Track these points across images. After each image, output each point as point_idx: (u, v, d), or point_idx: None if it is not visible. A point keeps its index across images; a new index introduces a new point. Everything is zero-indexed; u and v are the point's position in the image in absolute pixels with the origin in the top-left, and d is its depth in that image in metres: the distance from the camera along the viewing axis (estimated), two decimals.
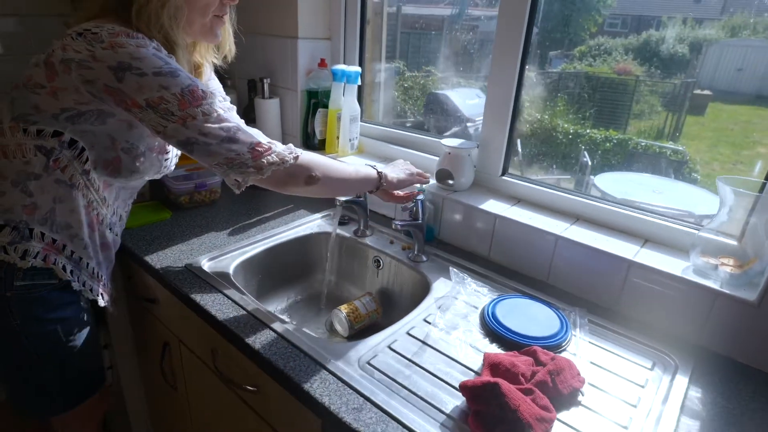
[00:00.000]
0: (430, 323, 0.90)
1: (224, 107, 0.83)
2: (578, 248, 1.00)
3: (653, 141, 1.32)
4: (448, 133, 1.55)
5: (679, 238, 0.99)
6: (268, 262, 1.19)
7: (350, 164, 0.99)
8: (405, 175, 1.08)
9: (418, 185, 1.13)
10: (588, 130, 1.36)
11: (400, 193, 1.11)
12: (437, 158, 1.29)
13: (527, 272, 1.09)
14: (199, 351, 1.02)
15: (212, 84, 1.06)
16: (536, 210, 1.15)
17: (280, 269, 1.22)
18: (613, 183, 1.28)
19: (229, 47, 0.99)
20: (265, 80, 1.48)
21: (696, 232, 0.95)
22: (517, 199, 1.20)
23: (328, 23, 1.55)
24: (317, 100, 1.50)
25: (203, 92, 0.79)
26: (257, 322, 0.89)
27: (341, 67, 1.43)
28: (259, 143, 0.83)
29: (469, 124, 1.59)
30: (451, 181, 1.25)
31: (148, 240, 1.16)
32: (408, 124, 1.77)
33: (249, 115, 1.56)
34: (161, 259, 1.09)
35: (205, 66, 0.98)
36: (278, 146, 0.86)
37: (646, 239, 1.03)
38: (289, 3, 1.47)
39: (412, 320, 0.91)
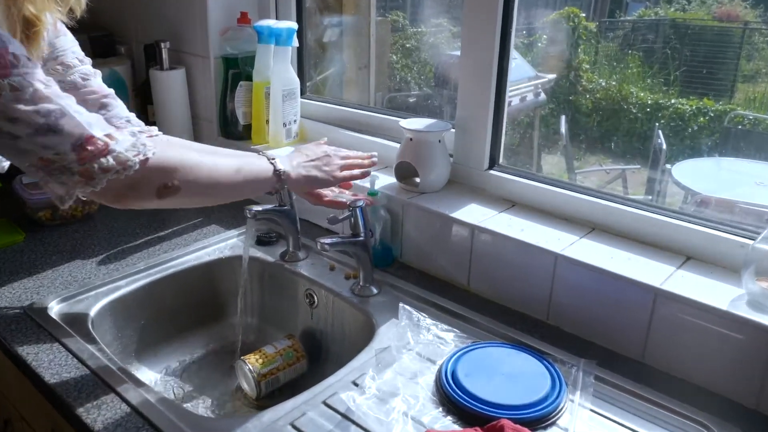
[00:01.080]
0: (358, 386, 0.86)
1: (46, 82, 0.76)
2: (586, 272, 0.96)
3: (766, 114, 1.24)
4: None
5: (733, 253, 0.94)
6: (154, 301, 1.16)
7: (233, 155, 0.93)
8: (315, 170, 1.03)
9: (357, 179, 1.08)
10: (673, 101, 1.28)
11: (326, 193, 1.08)
12: None
13: (520, 308, 1.06)
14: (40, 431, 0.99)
15: (60, 42, 1.04)
16: (537, 217, 1.11)
17: (174, 311, 1.20)
18: (698, 173, 1.22)
19: None
20: (162, 44, 1.47)
21: (750, 242, 0.90)
22: (511, 202, 1.17)
23: None
24: (237, 70, 1.48)
25: (15, 56, 0.73)
26: (107, 390, 0.85)
27: (269, 22, 1.41)
28: (91, 137, 0.76)
29: None
30: (416, 180, 1.22)
31: None
32: (411, 99, 1.74)
33: (147, 95, 1.54)
34: None
35: (45, 22, 0.95)
36: (121, 141, 0.79)
37: (688, 255, 0.99)
38: None
39: (335, 382, 0.87)
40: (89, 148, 0.76)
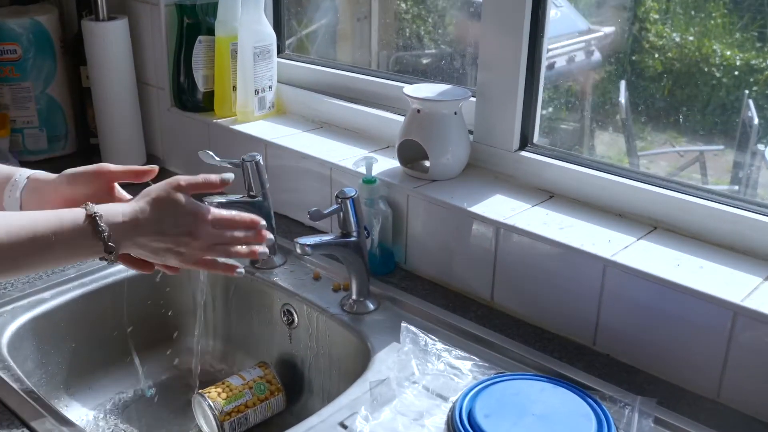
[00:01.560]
0: (347, 428, 0.86)
1: None
2: (645, 284, 0.95)
3: None
4: None
5: None
6: (88, 319, 1.17)
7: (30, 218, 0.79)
8: (165, 254, 0.85)
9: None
10: None
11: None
12: None
13: (558, 330, 1.06)
14: None
15: None
16: (581, 212, 1.11)
17: (114, 332, 1.20)
18: None
19: None
20: None
21: None
22: (548, 193, 1.17)
23: None
24: (196, 21, 1.48)
25: None
26: None
27: None
28: None
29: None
30: (425, 163, 1.22)
31: None
32: (425, 60, 1.74)
33: (79, 51, 1.55)
34: None
35: None
36: None
37: None
38: None
39: (318, 424, 0.88)
40: None
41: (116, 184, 0.95)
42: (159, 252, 0.85)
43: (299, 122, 1.47)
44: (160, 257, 0.86)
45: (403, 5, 1.76)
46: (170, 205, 0.85)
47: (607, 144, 1.59)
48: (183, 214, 0.85)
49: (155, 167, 0.95)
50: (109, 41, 1.49)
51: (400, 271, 1.21)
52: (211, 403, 1.06)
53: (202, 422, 1.09)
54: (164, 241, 0.85)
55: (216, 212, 0.90)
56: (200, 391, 1.09)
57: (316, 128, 1.44)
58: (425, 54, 1.76)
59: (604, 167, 1.14)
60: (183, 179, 0.87)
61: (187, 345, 1.26)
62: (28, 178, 0.91)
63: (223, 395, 1.08)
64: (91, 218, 0.80)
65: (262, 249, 0.93)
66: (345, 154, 1.30)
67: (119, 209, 0.83)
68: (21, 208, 0.90)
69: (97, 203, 0.82)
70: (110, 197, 0.93)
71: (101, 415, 1.14)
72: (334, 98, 1.46)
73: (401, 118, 1.33)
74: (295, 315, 1.16)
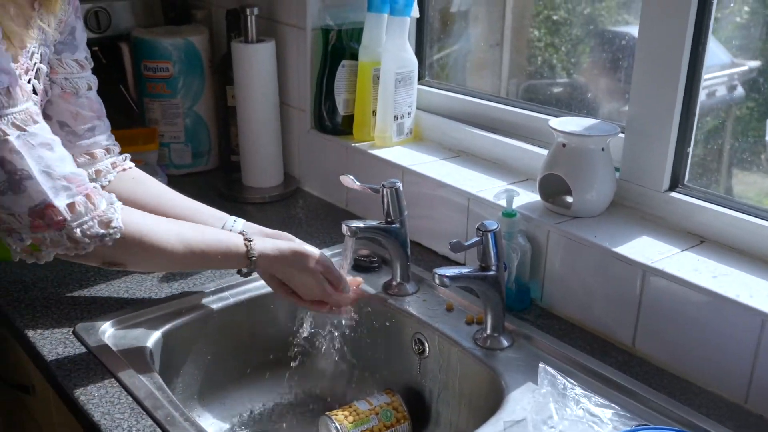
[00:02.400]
0: None
1: (22, 124, 0.86)
2: None
3: None
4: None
5: None
6: (225, 332, 1.20)
7: (201, 236, 1.07)
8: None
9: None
10: None
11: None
12: None
13: (707, 384, 1.01)
14: None
15: (79, 31, 1.12)
16: (737, 260, 1.06)
17: (247, 347, 1.23)
18: None
19: None
20: (250, 10, 1.53)
21: None
22: (699, 237, 1.13)
23: None
24: (340, 46, 1.52)
25: None
26: None
27: None
28: (51, 206, 0.88)
29: None
30: (568, 199, 1.19)
31: (25, 285, 1.23)
32: (556, 89, 1.73)
33: (227, 72, 1.62)
34: (39, 319, 1.14)
35: None
36: (82, 219, 0.91)
37: None
38: None
39: None
40: (45, 217, 0.88)
41: None
42: (276, 288, 1.14)
43: (436, 150, 1.48)
44: (293, 285, 1.13)
45: (536, 33, 1.74)
46: (303, 263, 1.11)
47: (747, 184, 1.51)
48: (310, 274, 1.11)
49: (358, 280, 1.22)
50: (256, 63, 1.54)
51: (535, 308, 1.19)
52: (338, 426, 1.08)
53: None
54: (288, 282, 1.13)
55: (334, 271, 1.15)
56: (327, 413, 1.10)
57: (453, 157, 1.44)
58: (556, 83, 1.74)
59: (762, 213, 1.08)
60: (328, 263, 1.14)
61: (316, 365, 1.28)
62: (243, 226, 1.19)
63: (350, 418, 1.09)
64: (248, 247, 1.07)
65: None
66: (483, 185, 1.30)
67: (269, 243, 1.10)
68: None
69: None
70: None
71: (233, 429, 1.18)
72: (472, 127, 1.46)
73: (540, 150, 1.33)
74: (426, 345, 1.16)
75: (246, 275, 1.11)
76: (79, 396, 0.98)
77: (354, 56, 1.52)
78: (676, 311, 1.02)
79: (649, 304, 1.05)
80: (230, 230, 1.15)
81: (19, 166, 0.85)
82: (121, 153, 1.21)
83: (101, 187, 1.14)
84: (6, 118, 0.85)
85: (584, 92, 1.63)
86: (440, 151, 1.47)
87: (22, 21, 0.94)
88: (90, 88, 1.14)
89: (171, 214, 1.13)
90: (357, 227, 1.15)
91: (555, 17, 1.69)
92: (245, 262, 1.07)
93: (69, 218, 0.89)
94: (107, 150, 1.18)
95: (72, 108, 1.12)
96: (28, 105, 0.89)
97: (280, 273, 1.11)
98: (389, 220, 1.20)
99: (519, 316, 1.16)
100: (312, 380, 1.27)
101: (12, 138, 0.85)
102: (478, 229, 1.06)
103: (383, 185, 1.19)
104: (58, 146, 0.92)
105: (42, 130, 0.90)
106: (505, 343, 1.09)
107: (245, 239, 1.07)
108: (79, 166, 1.11)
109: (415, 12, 1.46)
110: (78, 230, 0.90)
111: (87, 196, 0.92)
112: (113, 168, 1.18)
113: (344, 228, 1.15)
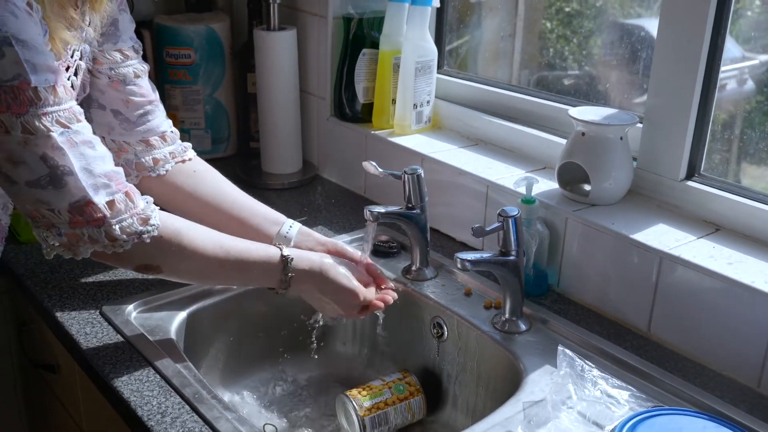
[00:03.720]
0: None
1: (66, 122, 0.87)
2: None
3: None
4: (641, 100, 1.50)
5: None
6: (245, 314, 1.23)
7: (243, 249, 1.05)
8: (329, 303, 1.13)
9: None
10: None
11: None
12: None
13: (721, 368, 1.03)
14: None
15: (123, 21, 1.13)
16: (751, 248, 1.08)
17: (267, 329, 1.26)
18: None
19: None
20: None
21: None
22: (714, 225, 1.15)
23: None
24: (361, 34, 1.55)
25: (35, 92, 0.84)
26: (197, 418, 0.93)
27: None
28: (90, 203, 0.89)
29: None
30: (586, 187, 1.22)
31: (52, 266, 1.26)
32: (566, 81, 1.75)
33: (248, 59, 1.64)
34: (67, 300, 1.17)
35: None
36: (122, 216, 0.92)
37: None
38: None
39: None
40: (85, 214, 0.90)
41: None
42: (317, 302, 1.13)
43: (454, 138, 1.50)
44: (318, 306, 1.14)
45: (548, 24, 1.76)
46: (340, 280, 1.10)
47: (755, 177, 1.53)
48: (344, 292, 1.10)
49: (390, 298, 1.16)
50: (278, 50, 1.57)
51: (552, 294, 1.22)
52: (353, 401, 1.10)
53: (344, 422, 1.13)
54: (324, 299, 1.12)
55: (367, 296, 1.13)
56: (344, 392, 1.13)
57: (471, 145, 1.47)
58: (568, 74, 1.75)
59: None
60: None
61: (334, 348, 1.31)
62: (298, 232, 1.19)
63: (364, 392, 1.12)
64: (285, 261, 1.06)
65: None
66: (501, 173, 1.32)
67: (307, 257, 1.09)
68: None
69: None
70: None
71: (260, 402, 1.21)
72: (490, 116, 1.48)
73: (557, 139, 1.35)
74: (445, 328, 1.19)
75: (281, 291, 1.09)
76: (108, 374, 1.01)
77: (374, 45, 1.54)
78: (691, 297, 1.05)
79: (665, 289, 1.08)
80: (286, 234, 1.17)
81: (61, 162, 0.87)
82: (182, 141, 1.23)
83: (158, 176, 1.18)
84: (51, 116, 0.86)
85: (595, 84, 1.64)
86: (458, 140, 1.50)
87: (65, 22, 0.96)
88: (138, 76, 1.15)
89: (228, 211, 1.18)
90: (379, 212, 1.18)
91: (567, 9, 1.70)
92: (280, 276, 1.06)
93: (108, 215, 0.90)
94: (163, 137, 1.19)
95: (122, 96, 1.13)
96: (72, 104, 0.90)
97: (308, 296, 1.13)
98: (410, 205, 1.23)
99: (536, 301, 1.18)
100: (331, 363, 1.30)
101: (56, 135, 0.86)
102: (499, 215, 1.09)
103: (405, 171, 1.22)
104: (100, 145, 0.93)
105: (84, 128, 0.91)
106: (523, 327, 1.12)
107: (282, 256, 1.06)
108: (137, 154, 1.16)
109: (436, 2, 1.48)
110: (117, 227, 0.91)
111: (126, 194, 0.93)
112: (172, 158, 1.19)
113: (366, 213, 1.18)
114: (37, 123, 0.85)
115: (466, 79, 1.58)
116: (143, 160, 1.17)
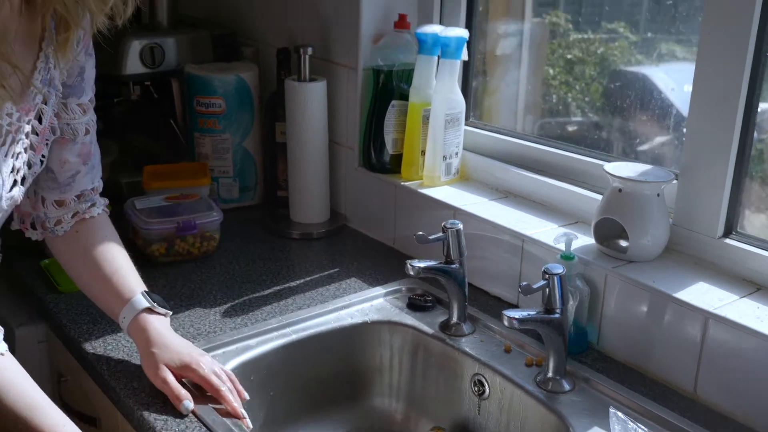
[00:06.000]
0: None
1: None
2: None
3: None
4: (644, 147, 1.49)
5: None
6: (287, 369, 1.20)
7: None
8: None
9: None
10: None
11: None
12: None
13: None
14: None
15: (88, 70, 1.06)
16: None
17: (306, 383, 1.23)
18: None
19: None
20: (304, 50, 1.54)
21: None
22: (755, 285, 1.12)
23: None
24: (390, 86, 1.53)
25: None
26: None
27: (434, 29, 1.45)
28: None
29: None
30: (623, 243, 1.20)
31: (93, 317, 1.23)
32: (570, 128, 1.74)
33: (276, 109, 1.63)
34: (111, 350, 1.14)
35: (79, 24, 0.95)
36: None
37: None
38: None
39: None
40: None
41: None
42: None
43: (483, 190, 1.48)
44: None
45: (550, 71, 1.75)
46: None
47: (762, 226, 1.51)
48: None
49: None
50: (308, 100, 1.55)
51: (592, 352, 1.18)
52: None
53: None
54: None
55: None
56: None
57: (501, 197, 1.45)
58: (571, 121, 1.75)
59: None
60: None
61: (371, 403, 1.28)
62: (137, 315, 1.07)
63: None
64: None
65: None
66: (534, 227, 1.30)
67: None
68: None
69: None
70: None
71: None
72: (518, 167, 1.46)
73: (588, 193, 1.33)
74: (486, 386, 1.16)
75: None
76: (154, 425, 0.98)
77: (403, 96, 1.52)
78: (738, 358, 1.02)
79: (711, 350, 1.05)
80: (122, 319, 1.08)
81: None
82: (102, 195, 1.16)
83: (51, 237, 1.12)
84: None
85: (597, 131, 1.64)
86: (487, 192, 1.47)
87: (27, 62, 0.91)
88: (87, 132, 1.08)
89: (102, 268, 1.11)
90: (420, 267, 1.16)
91: (569, 56, 1.70)
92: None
93: None
94: (79, 196, 1.12)
95: (63, 155, 1.07)
96: None
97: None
98: (449, 260, 1.20)
99: (577, 360, 1.15)
100: (367, 418, 1.27)
101: None
102: (544, 272, 1.06)
103: (445, 226, 1.19)
104: None
105: None
106: (567, 387, 1.09)
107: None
108: (47, 213, 1.10)
109: (465, 55, 1.47)
110: None
111: None
112: (73, 218, 1.12)
113: (408, 267, 1.16)
114: None
115: (493, 131, 1.56)
116: (48, 219, 1.11)
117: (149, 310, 1.07)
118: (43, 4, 0.94)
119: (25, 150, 0.98)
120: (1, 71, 0.87)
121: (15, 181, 0.99)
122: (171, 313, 1.11)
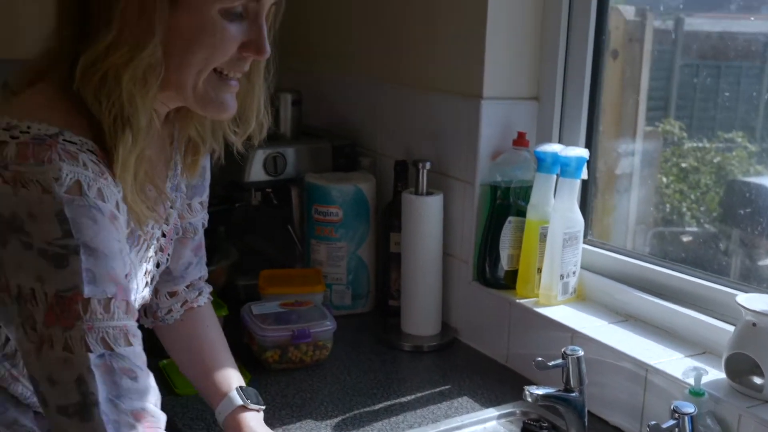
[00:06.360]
0: None
1: (126, 332, 0.79)
2: None
3: None
4: (766, 262, 1.42)
5: None
6: None
7: None
8: None
9: None
10: None
11: None
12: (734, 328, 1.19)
13: None
14: None
15: (206, 182, 1.13)
16: None
17: None
18: None
19: (259, 120, 0.99)
20: (423, 164, 1.57)
21: None
22: None
23: (534, 72, 1.61)
24: (507, 202, 1.53)
25: (86, 302, 0.76)
26: None
27: (553, 148, 1.46)
28: None
29: None
30: (757, 380, 1.12)
31: (209, 422, 1.23)
32: (685, 239, 1.68)
33: (391, 220, 1.65)
34: None
35: (209, 148, 1.03)
36: None
37: None
38: (469, 41, 1.57)
39: None
40: None
41: None
42: None
43: (601, 312, 1.43)
44: None
45: (664, 179, 1.71)
46: None
47: None
48: None
49: None
50: (425, 214, 1.57)
51: None
52: None
53: None
54: None
55: None
56: None
57: (621, 321, 1.40)
58: (686, 231, 1.69)
59: None
60: None
61: None
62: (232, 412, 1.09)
63: None
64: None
65: None
66: (659, 355, 1.24)
67: None
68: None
69: None
70: None
71: None
72: (639, 291, 1.41)
73: (716, 322, 1.27)
74: None
75: None
76: None
77: (519, 213, 1.52)
78: None
79: None
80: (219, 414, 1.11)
81: (91, 388, 0.76)
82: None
83: (163, 326, 1.17)
84: (96, 332, 0.77)
85: (715, 243, 1.58)
86: (606, 314, 1.43)
87: (162, 174, 0.97)
88: (204, 225, 1.15)
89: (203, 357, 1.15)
90: (538, 394, 1.12)
91: (684, 165, 1.66)
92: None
93: None
94: (189, 286, 1.18)
95: (181, 251, 1.13)
96: (128, 322, 0.81)
97: None
98: (568, 387, 1.16)
99: None
100: None
101: (93, 355, 0.76)
102: (674, 411, 1.01)
103: (565, 352, 1.16)
104: (145, 377, 0.82)
105: (132, 354, 0.80)
106: None
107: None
108: (158, 303, 1.15)
109: (584, 174, 1.46)
110: None
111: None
112: (182, 307, 1.18)
113: (526, 393, 1.12)
114: (78, 339, 0.76)
115: (612, 250, 1.53)
116: (160, 309, 1.16)
117: (243, 408, 1.08)
118: (180, 132, 1.02)
119: (156, 253, 1.04)
120: (151, 197, 0.93)
121: (146, 282, 1.04)
122: (264, 407, 1.12)
